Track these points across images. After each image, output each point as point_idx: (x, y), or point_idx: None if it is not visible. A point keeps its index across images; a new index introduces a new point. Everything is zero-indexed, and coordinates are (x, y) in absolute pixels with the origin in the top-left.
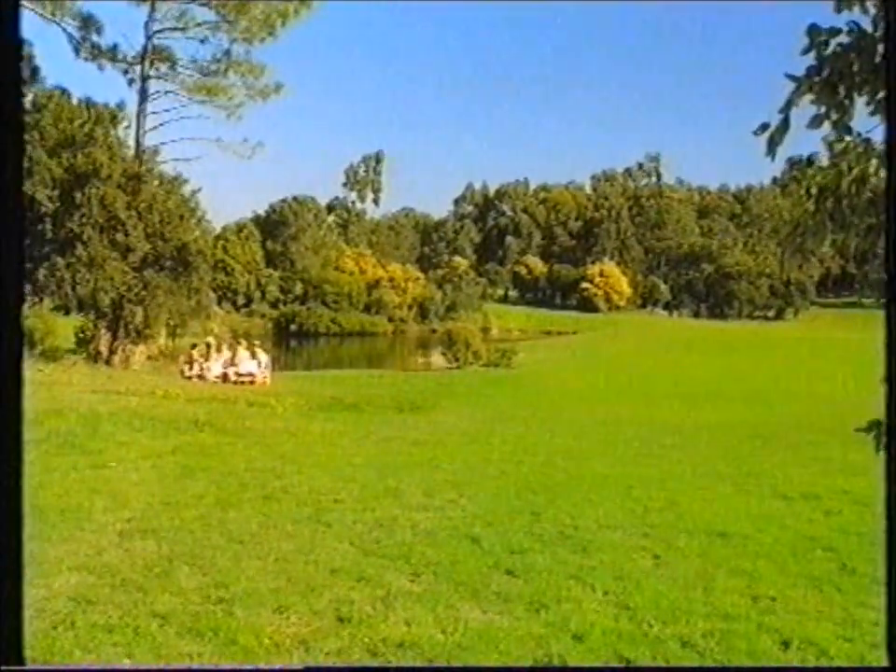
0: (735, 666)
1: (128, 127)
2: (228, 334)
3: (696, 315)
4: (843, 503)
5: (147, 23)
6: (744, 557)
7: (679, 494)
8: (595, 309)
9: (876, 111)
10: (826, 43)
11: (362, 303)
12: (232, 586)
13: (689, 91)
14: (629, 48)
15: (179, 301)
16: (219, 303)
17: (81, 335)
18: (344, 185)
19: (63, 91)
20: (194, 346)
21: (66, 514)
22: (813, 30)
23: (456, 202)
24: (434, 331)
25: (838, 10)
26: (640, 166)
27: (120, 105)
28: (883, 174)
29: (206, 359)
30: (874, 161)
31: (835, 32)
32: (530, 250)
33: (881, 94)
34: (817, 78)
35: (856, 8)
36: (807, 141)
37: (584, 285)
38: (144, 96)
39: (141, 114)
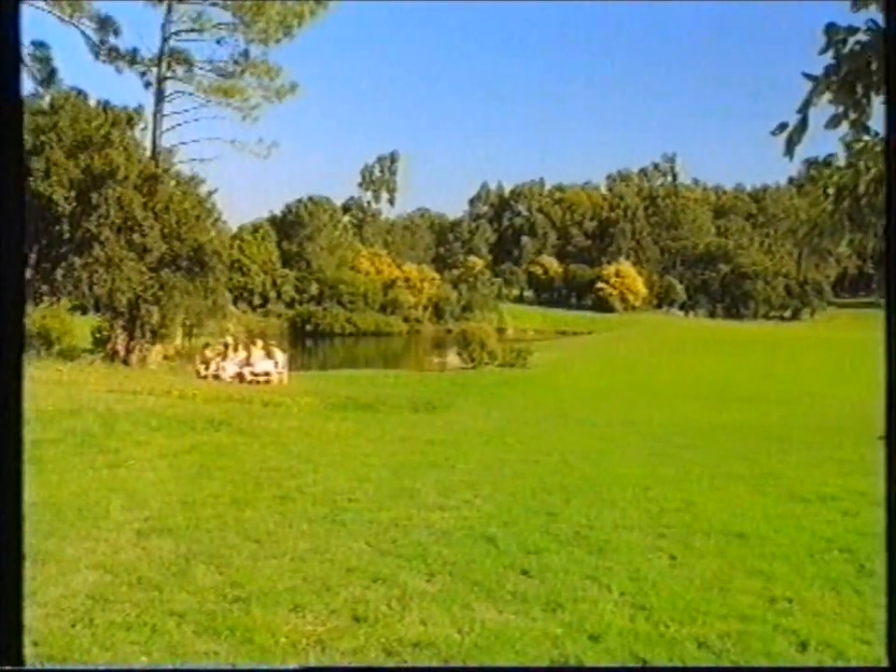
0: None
1: (144, 128)
2: (244, 334)
3: (712, 315)
4: (860, 504)
5: (163, 25)
6: (760, 558)
7: (696, 494)
8: (610, 309)
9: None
10: (844, 42)
11: (377, 303)
12: (249, 585)
13: (705, 90)
14: (645, 47)
15: (195, 301)
16: (235, 303)
17: (98, 335)
18: (360, 185)
19: (80, 93)
20: (206, 346)
21: (84, 513)
22: (831, 29)
23: (472, 202)
24: (449, 331)
25: (855, 9)
26: (656, 166)
27: (138, 110)
28: None
29: (223, 359)
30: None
31: (853, 30)
32: (546, 250)
33: None
34: (834, 77)
35: (873, 6)
36: (825, 141)
37: (600, 285)
38: (160, 97)
39: (157, 115)
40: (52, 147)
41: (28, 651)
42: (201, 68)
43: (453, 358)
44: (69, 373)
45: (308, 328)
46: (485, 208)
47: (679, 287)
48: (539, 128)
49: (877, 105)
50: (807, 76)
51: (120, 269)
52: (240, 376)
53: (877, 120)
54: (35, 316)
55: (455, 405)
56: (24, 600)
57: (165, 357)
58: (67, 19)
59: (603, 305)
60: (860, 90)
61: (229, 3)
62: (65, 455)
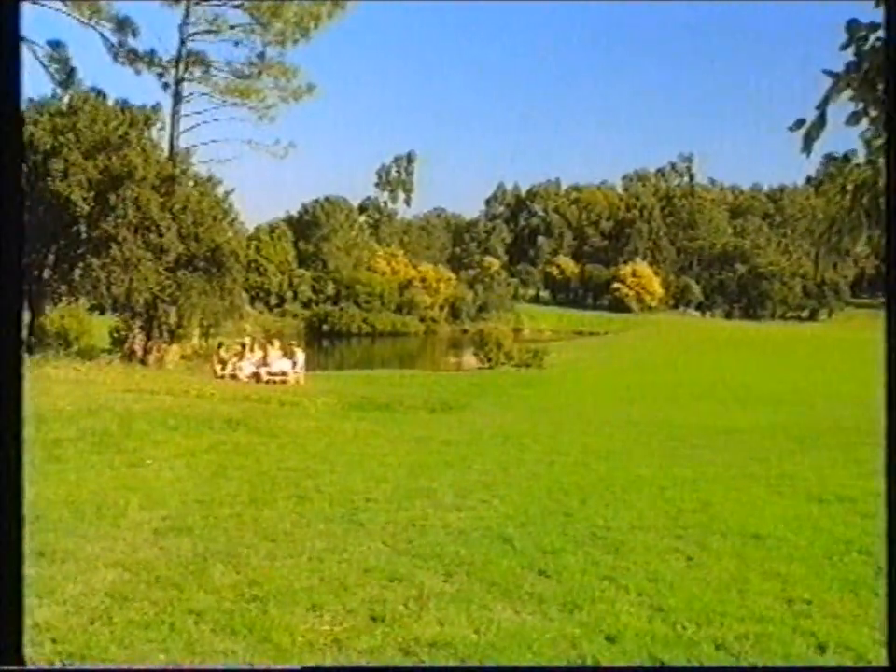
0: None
1: (162, 129)
2: (261, 334)
3: (729, 315)
4: (878, 506)
5: (181, 27)
6: (778, 560)
7: (713, 495)
8: (626, 309)
9: None
10: (865, 38)
11: (394, 303)
12: (266, 584)
13: (722, 90)
14: (661, 47)
15: (212, 301)
16: (252, 303)
17: (116, 335)
18: (376, 185)
19: (98, 94)
20: (220, 346)
21: (103, 512)
22: (852, 25)
23: (488, 202)
24: (465, 332)
25: (877, 5)
26: (672, 166)
27: (156, 107)
28: None
29: (240, 359)
30: None
31: (875, 27)
32: (562, 250)
33: None
34: (855, 74)
35: None
36: (842, 139)
37: (616, 285)
38: (178, 98)
39: (175, 116)
40: (71, 148)
41: (48, 647)
42: (218, 69)
43: (469, 359)
44: (87, 373)
45: (324, 328)
46: (502, 208)
47: (696, 288)
48: (555, 128)
49: None
50: (827, 72)
51: (138, 269)
52: (256, 376)
53: None
54: (53, 316)
55: (472, 405)
56: (42, 598)
57: (183, 357)
58: (86, 21)
59: (619, 306)
60: (881, 86)
61: (246, 4)
62: (84, 454)
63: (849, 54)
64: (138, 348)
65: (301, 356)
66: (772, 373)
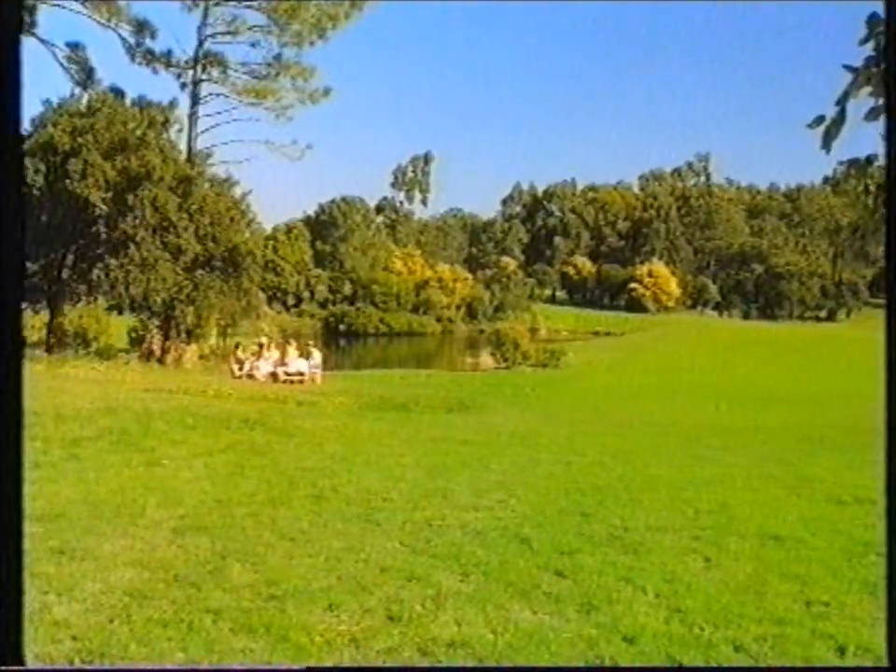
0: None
1: (180, 130)
2: (278, 334)
3: (746, 315)
4: None
5: (199, 28)
6: (797, 561)
7: (730, 496)
8: (643, 310)
9: None
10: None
11: (410, 304)
12: (284, 583)
13: (738, 90)
14: (678, 47)
15: (230, 301)
16: (269, 303)
17: (134, 334)
18: (393, 185)
19: (117, 95)
20: (237, 346)
21: (121, 510)
22: (873, 19)
23: (504, 202)
24: (482, 332)
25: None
26: (689, 165)
27: (172, 103)
28: None
29: (257, 359)
30: None
31: None
32: (578, 250)
33: None
34: (875, 69)
35: None
36: (862, 136)
37: (633, 285)
38: (195, 99)
39: (193, 117)
40: (89, 149)
41: (68, 645)
42: (235, 70)
43: (486, 359)
44: (106, 372)
45: (341, 328)
46: (518, 208)
47: (713, 288)
48: (571, 128)
49: None
50: (847, 67)
51: (156, 269)
52: (274, 376)
53: None
54: (72, 316)
55: (489, 405)
56: (62, 596)
57: (200, 357)
58: (105, 22)
59: (636, 306)
60: None
61: (263, 5)
62: (102, 453)
63: (869, 49)
64: (156, 348)
65: (317, 355)
66: (789, 374)
